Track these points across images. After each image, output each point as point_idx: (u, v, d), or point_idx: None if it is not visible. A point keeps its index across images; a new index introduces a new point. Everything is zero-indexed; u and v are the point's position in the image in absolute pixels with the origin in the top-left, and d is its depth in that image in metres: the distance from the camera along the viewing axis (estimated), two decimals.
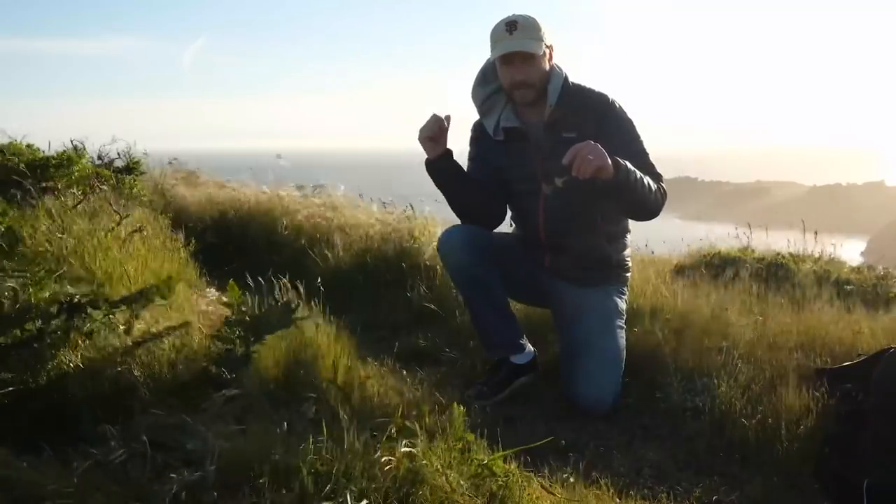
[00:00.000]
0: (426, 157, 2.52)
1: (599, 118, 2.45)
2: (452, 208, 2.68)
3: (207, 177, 6.60)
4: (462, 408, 1.69)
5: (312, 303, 2.34)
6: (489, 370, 2.66)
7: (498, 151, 2.60)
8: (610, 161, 2.19)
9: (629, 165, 2.28)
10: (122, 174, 4.24)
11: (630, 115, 2.50)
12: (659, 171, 2.48)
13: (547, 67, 2.46)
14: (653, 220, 2.51)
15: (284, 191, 5.53)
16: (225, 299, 2.15)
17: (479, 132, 2.66)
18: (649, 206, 2.42)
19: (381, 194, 5.55)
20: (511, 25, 2.38)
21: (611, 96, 2.50)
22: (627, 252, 2.70)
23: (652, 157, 2.49)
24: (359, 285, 3.76)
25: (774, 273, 3.76)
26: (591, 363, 2.44)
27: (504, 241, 2.72)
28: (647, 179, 2.35)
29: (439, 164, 2.52)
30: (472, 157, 2.69)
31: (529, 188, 2.56)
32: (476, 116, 2.66)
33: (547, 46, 2.43)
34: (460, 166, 2.59)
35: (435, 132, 2.46)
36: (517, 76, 2.43)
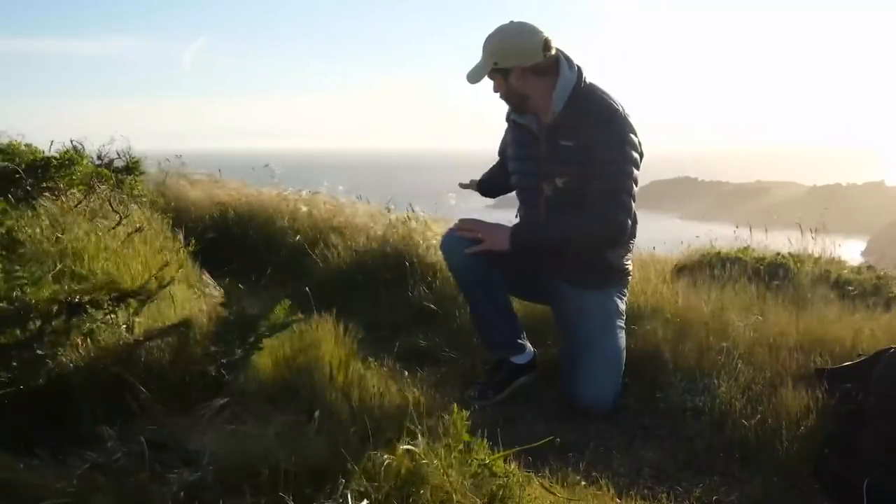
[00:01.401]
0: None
1: (596, 128, 2.37)
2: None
3: (207, 177, 6.60)
4: (462, 408, 1.69)
5: (312, 303, 2.34)
6: (489, 370, 2.66)
7: (512, 141, 2.67)
8: (507, 238, 2.42)
9: (532, 238, 2.46)
10: (122, 174, 4.24)
11: (631, 132, 2.37)
12: (627, 199, 2.36)
13: (519, 84, 2.44)
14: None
15: (284, 191, 5.54)
16: (225, 298, 2.15)
17: (508, 116, 2.71)
18: (579, 250, 2.48)
19: (380, 194, 5.56)
20: (484, 43, 2.45)
21: (617, 106, 2.40)
22: (629, 257, 2.65)
23: (636, 174, 2.38)
24: (359, 285, 3.76)
25: (774, 273, 3.75)
26: (592, 363, 2.44)
27: None
28: (565, 235, 2.42)
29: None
30: (503, 140, 2.80)
31: (531, 185, 2.57)
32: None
33: (503, 71, 2.42)
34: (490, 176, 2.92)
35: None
36: (494, 90, 2.52)
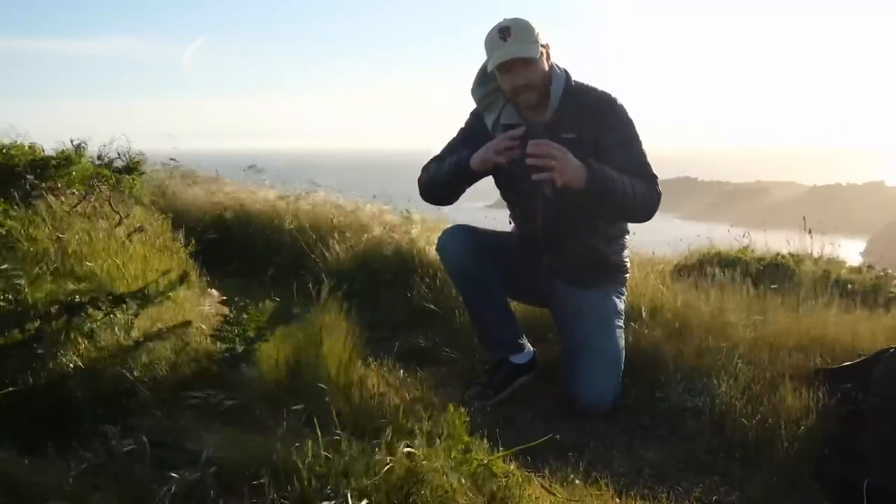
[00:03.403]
0: (472, 163, 2.42)
1: (600, 118, 2.43)
2: (433, 185, 2.61)
3: (207, 177, 6.60)
4: (462, 408, 1.70)
5: (312, 303, 2.34)
6: (489, 370, 2.66)
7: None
8: (584, 172, 2.23)
9: (606, 176, 2.27)
10: (122, 174, 4.24)
11: (630, 115, 2.47)
12: (654, 171, 2.44)
13: (546, 67, 2.43)
14: (653, 221, 2.50)
15: (284, 191, 5.54)
16: (225, 298, 2.16)
17: (478, 118, 2.62)
18: (633, 212, 2.42)
19: (380, 194, 5.55)
20: (504, 32, 2.35)
21: (613, 95, 2.48)
22: (626, 253, 2.69)
23: (650, 157, 2.46)
24: (359, 285, 3.76)
25: (774, 273, 3.76)
26: (591, 363, 2.44)
27: (504, 241, 2.72)
28: (631, 187, 2.32)
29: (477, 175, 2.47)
30: (464, 137, 2.64)
31: (528, 188, 2.54)
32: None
33: (542, 46, 2.41)
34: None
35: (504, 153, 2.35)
36: (518, 81, 2.39)
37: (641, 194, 2.36)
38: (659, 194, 2.42)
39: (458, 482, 1.50)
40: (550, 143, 2.23)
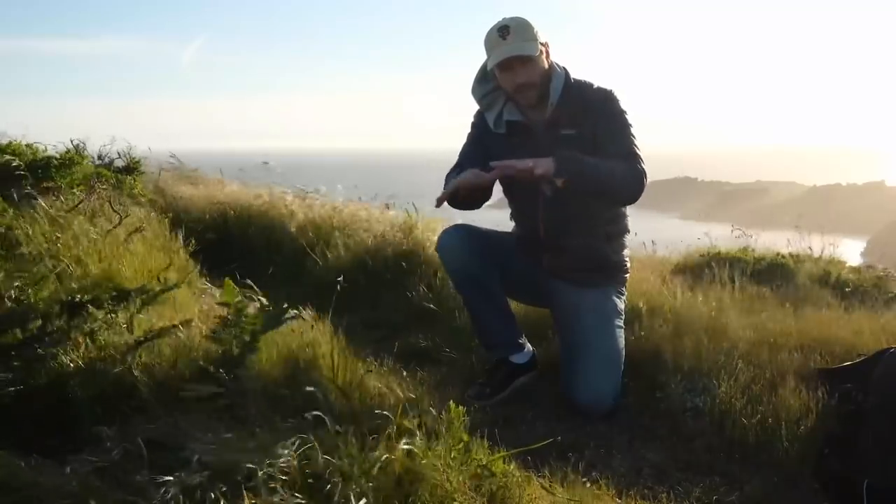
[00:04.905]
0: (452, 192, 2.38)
1: (597, 113, 2.46)
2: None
3: (207, 177, 6.60)
4: (462, 407, 1.69)
5: (312, 303, 2.34)
6: (489, 370, 2.66)
7: (498, 145, 2.55)
8: (552, 161, 2.27)
9: (575, 160, 2.30)
10: (122, 174, 4.24)
11: (624, 105, 2.49)
12: (638, 151, 2.44)
13: (546, 65, 2.45)
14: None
15: (284, 191, 5.54)
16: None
17: (481, 118, 2.63)
18: (616, 192, 2.42)
19: (380, 194, 5.56)
20: (504, 30, 2.37)
21: (609, 88, 2.50)
22: (626, 253, 2.70)
23: (644, 153, 2.47)
24: (359, 285, 3.76)
25: (774, 273, 3.76)
26: (591, 364, 2.44)
27: (503, 241, 2.72)
28: (608, 168, 2.33)
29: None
30: (472, 140, 2.66)
31: (528, 186, 2.53)
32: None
33: (542, 45, 2.42)
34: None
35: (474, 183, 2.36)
36: (519, 79, 2.42)
37: (622, 174, 2.37)
38: (641, 171, 2.40)
39: (458, 482, 1.50)
40: (507, 163, 2.31)
